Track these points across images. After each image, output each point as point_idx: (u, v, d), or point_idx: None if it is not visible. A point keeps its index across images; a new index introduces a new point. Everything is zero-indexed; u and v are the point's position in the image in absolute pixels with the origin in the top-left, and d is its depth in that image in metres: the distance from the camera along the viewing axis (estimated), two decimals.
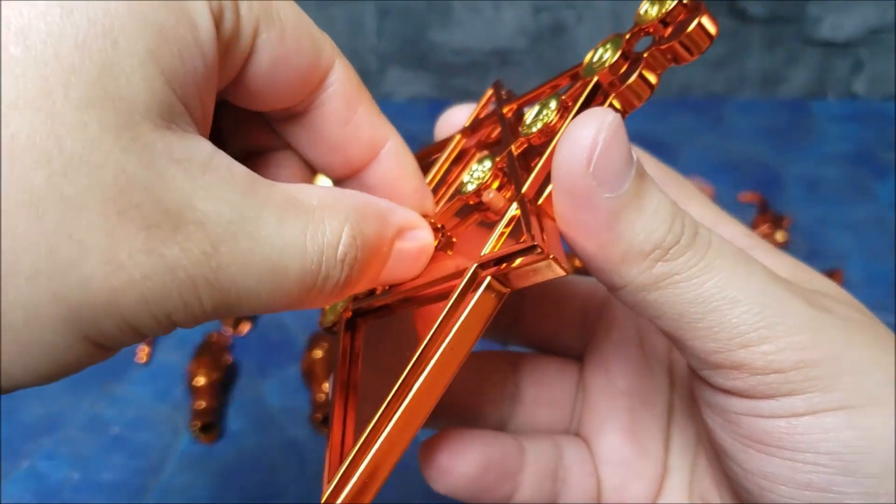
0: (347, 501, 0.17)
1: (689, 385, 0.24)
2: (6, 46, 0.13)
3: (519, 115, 0.22)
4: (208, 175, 0.15)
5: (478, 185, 0.19)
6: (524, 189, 0.18)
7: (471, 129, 0.24)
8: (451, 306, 0.17)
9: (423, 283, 0.20)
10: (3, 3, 0.13)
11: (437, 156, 0.25)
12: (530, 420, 0.25)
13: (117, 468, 0.39)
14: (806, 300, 0.18)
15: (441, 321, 0.17)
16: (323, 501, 0.17)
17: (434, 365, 0.17)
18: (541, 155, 0.18)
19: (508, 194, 0.19)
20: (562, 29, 0.59)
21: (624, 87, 0.18)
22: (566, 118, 0.18)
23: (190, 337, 0.45)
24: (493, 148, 0.23)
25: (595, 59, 0.19)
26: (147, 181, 0.14)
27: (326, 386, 0.41)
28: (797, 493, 0.18)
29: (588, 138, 0.16)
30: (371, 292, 0.22)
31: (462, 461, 0.21)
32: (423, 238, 0.20)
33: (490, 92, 0.24)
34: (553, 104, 0.19)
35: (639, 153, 0.25)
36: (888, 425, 0.17)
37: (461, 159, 0.24)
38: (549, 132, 0.19)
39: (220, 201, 0.15)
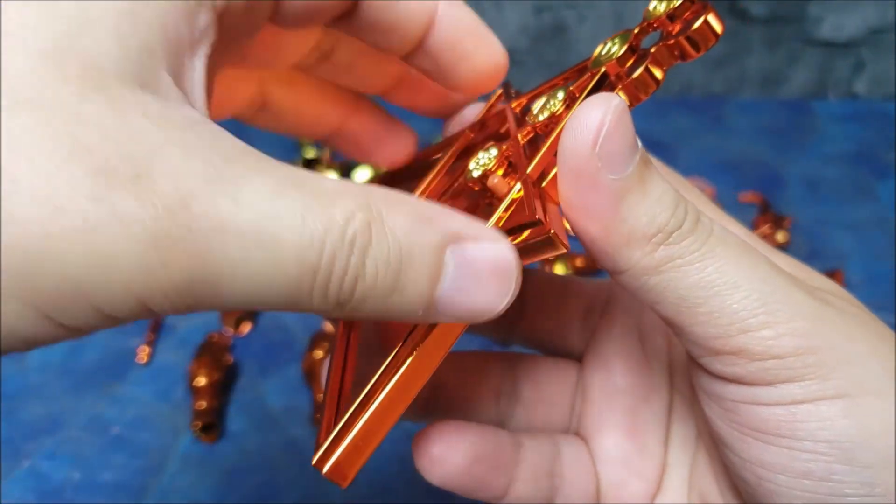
0: (333, 469, 0.17)
1: (689, 376, 0.24)
2: None
3: (526, 110, 0.22)
4: (188, 133, 0.14)
5: (483, 171, 0.20)
6: (528, 171, 0.18)
7: (479, 126, 0.24)
8: None
9: None
10: None
11: (444, 151, 0.25)
12: (529, 419, 0.25)
13: (118, 468, 0.39)
14: (807, 291, 0.18)
15: None
16: (313, 463, 0.17)
17: (431, 336, 0.18)
18: (546, 142, 0.19)
19: (512, 181, 0.20)
20: (563, 29, 0.59)
21: (630, 80, 0.18)
22: (572, 108, 0.19)
23: (191, 337, 0.45)
24: (501, 141, 0.23)
25: (603, 52, 0.19)
26: (107, 127, 0.13)
27: None
28: (795, 482, 0.18)
29: (595, 120, 0.16)
30: None
31: (454, 450, 0.21)
32: (495, 253, 0.16)
33: (499, 92, 0.25)
34: (560, 94, 0.19)
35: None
36: (885, 416, 0.17)
37: (469, 154, 0.24)
38: (555, 121, 0.19)
39: (197, 159, 0.14)
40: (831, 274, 0.47)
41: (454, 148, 0.24)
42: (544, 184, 0.18)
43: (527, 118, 0.20)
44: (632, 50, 0.18)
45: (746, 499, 0.20)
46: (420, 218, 0.16)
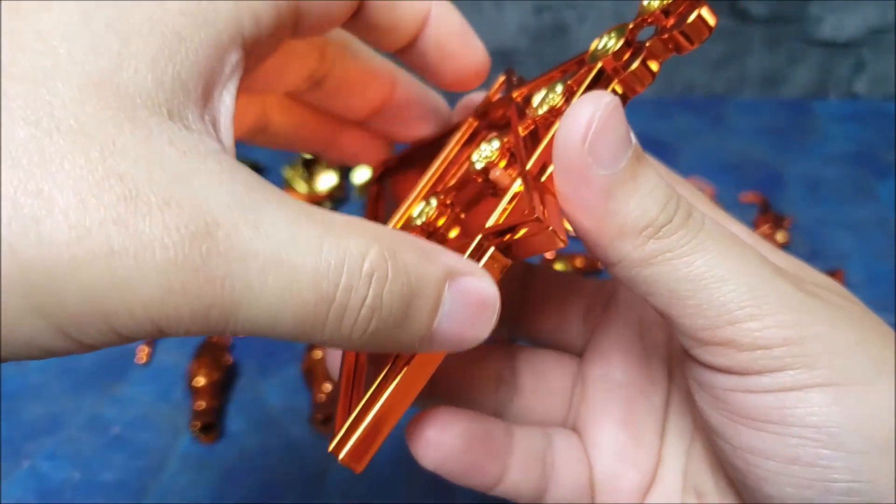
0: (349, 455, 0.18)
1: (682, 367, 0.24)
2: (26, 43, 0.14)
3: (527, 99, 0.23)
4: (211, 162, 0.14)
5: (485, 163, 0.20)
6: (528, 166, 0.19)
7: (482, 113, 0.25)
8: None
9: None
10: (29, 1, 0.14)
11: (449, 138, 0.26)
12: (527, 410, 0.26)
13: (118, 468, 0.39)
14: (794, 284, 0.19)
15: None
16: (329, 450, 0.18)
17: None
18: (546, 136, 0.19)
19: (514, 173, 0.20)
20: (563, 28, 0.59)
21: (627, 73, 0.19)
22: (571, 101, 0.19)
23: (190, 337, 0.45)
24: (503, 130, 0.24)
25: (600, 46, 0.20)
26: (138, 155, 0.14)
27: (327, 386, 0.41)
28: (784, 468, 0.18)
29: (585, 116, 0.17)
30: None
31: (448, 434, 0.21)
32: (483, 288, 0.17)
33: (502, 79, 0.26)
34: (559, 88, 0.20)
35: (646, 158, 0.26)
36: (872, 404, 0.18)
37: (472, 141, 0.25)
38: (555, 114, 0.20)
39: (220, 187, 0.14)
40: (832, 274, 0.46)
41: (459, 136, 0.25)
42: (544, 178, 0.19)
43: (527, 111, 0.21)
44: (628, 44, 0.19)
45: (738, 487, 0.21)
46: (424, 253, 0.17)
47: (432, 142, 0.27)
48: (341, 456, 0.18)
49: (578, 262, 0.48)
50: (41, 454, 0.40)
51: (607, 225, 0.18)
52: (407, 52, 0.23)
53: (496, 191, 0.21)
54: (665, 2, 0.19)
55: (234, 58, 0.16)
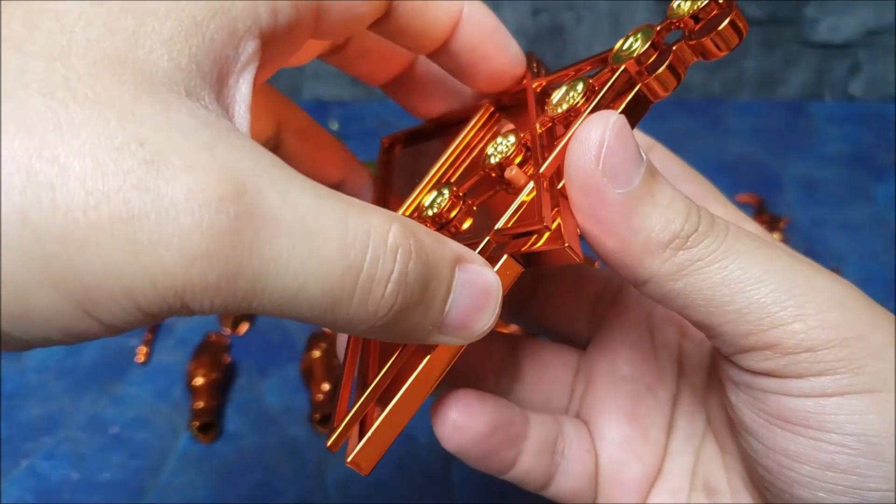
0: (357, 458, 0.18)
1: (701, 369, 0.24)
2: (42, 21, 0.14)
3: (545, 91, 0.22)
4: (232, 136, 0.14)
5: (500, 158, 0.20)
6: (542, 169, 0.18)
7: (498, 98, 0.24)
8: None
9: None
10: None
11: (464, 122, 0.25)
12: (528, 398, 0.26)
13: (117, 468, 0.39)
14: (830, 277, 0.18)
15: None
16: (327, 445, 0.18)
17: None
18: (563, 136, 0.19)
19: (530, 171, 0.20)
20: (561, 30, 0.60)
21: (652, 77, 0.18)
22: (591, 101, 0.19)
23: (189, 337, 0.45)
24: (519, 116, 0.23)
25: (625, 47, 0.19)
26: (158, 124, 0.13)
27: (325, 386, 0.41)
28: (818, 473, 0.18)
29: (595, 137, 0.17)
30: None
31: (474, 418, 0.21)
32: (488, 276, 0.17)
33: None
34: (580, 87, 0.19)
35: (662, 150, 0.26)
36: None
37: (487, 124, 0.24)
38: (574, 114, 0.19)
39: (245, 157, 0.14)
40: None
41: (474, 121, 0.24)
42: (560, 185, 0.18)
43: (546, 108, 0.20)
44: (654, 47, 0.19)
45: (763, 486, 0.20)
46: (436, 238, 0.17)
47: (447, 121, 0.26)
48: (350, 458, 0.18)
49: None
50: (40, 454, 0.40)
51: (632, 243, 0.18)
52: (439, 55, 0.22)
53: (510, 189, 0.20)
54: (697, 6, 0.18)
55: (250, 47, 0.16)
